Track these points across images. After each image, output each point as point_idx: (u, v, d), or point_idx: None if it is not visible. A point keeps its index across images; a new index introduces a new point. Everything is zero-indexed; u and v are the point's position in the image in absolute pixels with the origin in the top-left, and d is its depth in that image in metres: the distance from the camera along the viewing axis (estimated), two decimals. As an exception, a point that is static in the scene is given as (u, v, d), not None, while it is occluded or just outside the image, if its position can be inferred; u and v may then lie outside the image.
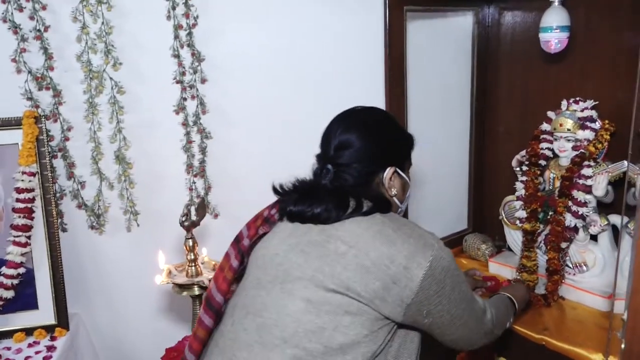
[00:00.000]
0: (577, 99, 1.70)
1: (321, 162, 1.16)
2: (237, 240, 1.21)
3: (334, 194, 1.08)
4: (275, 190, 1.19)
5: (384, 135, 1.16)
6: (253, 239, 1.17)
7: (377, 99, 1.84)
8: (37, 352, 1.60)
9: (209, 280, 1.38)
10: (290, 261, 1.04)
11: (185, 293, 1.40)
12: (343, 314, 0.97)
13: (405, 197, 1.22)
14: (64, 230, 1.74)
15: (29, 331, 1.68)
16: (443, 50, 1.98)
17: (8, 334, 1.66)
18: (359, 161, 1.11)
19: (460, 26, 2.01)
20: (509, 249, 1.99)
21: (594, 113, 1.66)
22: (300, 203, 1.09)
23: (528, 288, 1.64)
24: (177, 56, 1.70)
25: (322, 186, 1.11)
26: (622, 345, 0.70)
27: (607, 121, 1.65)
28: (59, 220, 1.71)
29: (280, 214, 1.17)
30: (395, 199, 1.17)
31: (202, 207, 1.54)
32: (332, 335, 0.97)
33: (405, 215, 1.95)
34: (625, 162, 1.56)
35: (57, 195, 1.71)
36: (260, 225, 1.18)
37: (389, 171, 1.14)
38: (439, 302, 1.02)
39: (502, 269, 1.91)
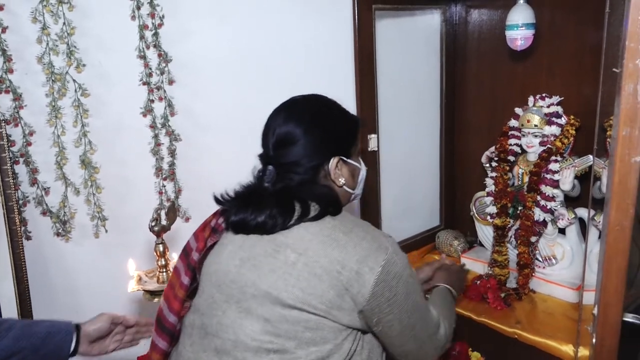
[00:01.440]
0: (544, 95, 1.74)
1: (263, 163, 1.09)
2: (186, 253, 1.13)
3: (277, 199, 1.01)
4: (216, 200, 1.11)
5: (324, 124, 1.08)
6: (202, 251, 1.09)
7: (347, 97, 1.84)
8: (2, 366, 1.55)
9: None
10: (244, 277, 0.98)
11: (156, 300, 1.37)
12: (303, 331, 0.92)
13: (357, 182, 1.16)
14: (28, 238, 1.68)
15: (-7, 344, 1.62)
16: (412, 48, 1.99)
17: (-29, 348, 1.60)
18: (302, 157, 1.04)
19: (428, 24, 2.02)
20: (481, 245, 2.02)
21: (559, 109, 1.70)
22: (241, 211, 1.02)
23: (462, 268, 1.59)
24: (143, 57, 1.66)
25: (264, 190, 1.04)
26: (593, 340, 0.71)
27: (572, 116, 1.69)
28: (23, 228, 1.65)
29: (225, 225, 1.09)
30: (345, 187, 1.11)
31: (173, 211, 1.51)
32: (295, 353, 0.92)
33: (377, 213, 1.96)
34: (591, 157, 1.59)
35: (20, 202, 1.64)
36: (208, 236, 1.10)
37: (332, 162, 1.07)
38: (390, 311, 0.96)
39: (474, 264, 1.94)
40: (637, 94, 0.55)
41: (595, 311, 0.68)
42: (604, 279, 0.67)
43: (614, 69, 0.59)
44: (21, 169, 1.63)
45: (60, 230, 1.70)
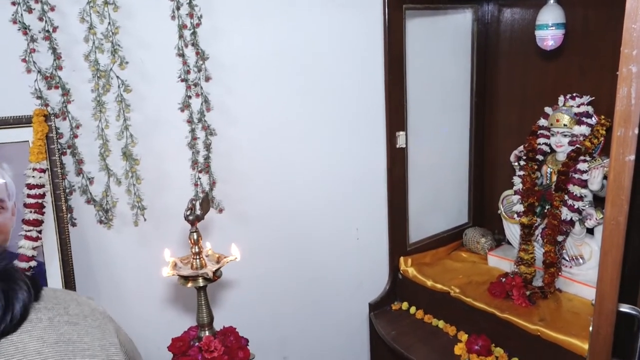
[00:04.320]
0: (574, 94, 1.73)
1: None
2: None
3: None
4: None
5: None
6: None
7: (376, 96, 1.88)
8: (48, 342, 1.66)
9: (213, 272, 1.43)
10: None
11: (190, 284, 1.44)
12: None
13: None
14: (74, 225, 1.78)
15: (40, 322, 1.74)
16: (443, 47, 2.01)
17: (20, 325, 1.72)
18: None
19: (459, 23, 2.04)
20: (508, 243, 2.03)
21: (590, 108, 1.69)
22: None
23: None
24: (182, 55, 1.74)
25: None
26: (590, 328, 0.74)
27: (603, 116, 1.68)
28: (69, 215, 1.76)
29: None
30: None
31: (206, 202, 1.58)
32: None
33: (405, 209, 1.98)
34: (620, 157, 1.59)
35: (67, 191, 1.75)
36: None
37: None
38: None
39: (501, 262, 1.95)
40: (630, 96, 0.58)
41: (593, 301, 0.71)
42: (601, 271, 0.70)
43: (617, 72, 0.62)
44: (68, 160, 1.74)
45: (102, 218, 1.81)
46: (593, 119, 1.68)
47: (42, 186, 1.65)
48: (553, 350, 1.53)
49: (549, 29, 1.56)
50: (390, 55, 1.77)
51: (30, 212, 1.64)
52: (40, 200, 1.65)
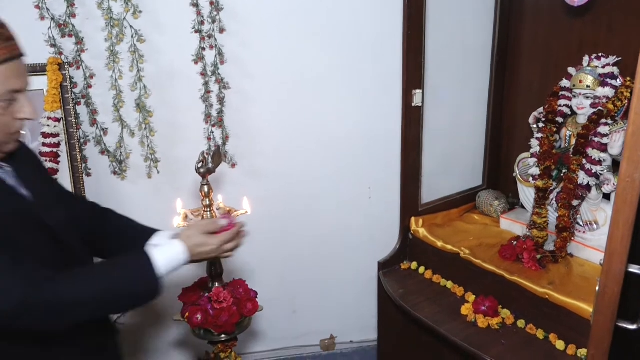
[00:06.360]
0: (600, 54, 1.66)
1: None
2: None
3: None
4: None
5: None
6: None
7: (394, 52, 1.83)
8: (65, 288, 1.71)
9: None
10: None
11: (201, 236, 1.46)
12: None
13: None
14: (88, 174, 1.81)
15: (57, 268, 1.79)
16: (464, 4, 1.93)
17: (38, 270, 1.78)
18: None
19: (484, -23, 1.95)
20: (522, 207, 2.00)
21: (615, 69, 1.62)
22: None
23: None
24: (196, 5, 1.71)
25: None
26: (597, 287, 0.73)
27: (628, 78, 1.61)
28: (84, 165, 1.78)
29: None
30: None
31: (218, 155, 1.58)
32: None
33: (418, 168, 1.96)
34: (644, 121, 1.53)
35: (81, 141, 1.77)
36: None
37: None
38: None
39: (513, 225, 1.93)
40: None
41: (602, 261, 0.69)
42: (612, 228, 0.68)
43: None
44: (82, 110, 1.75)
45: (116, 169, 1.82)
46: (618, 80, 1.62)
47: (57, 135, 1.67)
48: (560, 313, 1.52)
49: (578, -17, 1.48)
50: (409, 9, 1.71)
51: (46, 161, 1.66)
52: (55, 150, 1.67)
